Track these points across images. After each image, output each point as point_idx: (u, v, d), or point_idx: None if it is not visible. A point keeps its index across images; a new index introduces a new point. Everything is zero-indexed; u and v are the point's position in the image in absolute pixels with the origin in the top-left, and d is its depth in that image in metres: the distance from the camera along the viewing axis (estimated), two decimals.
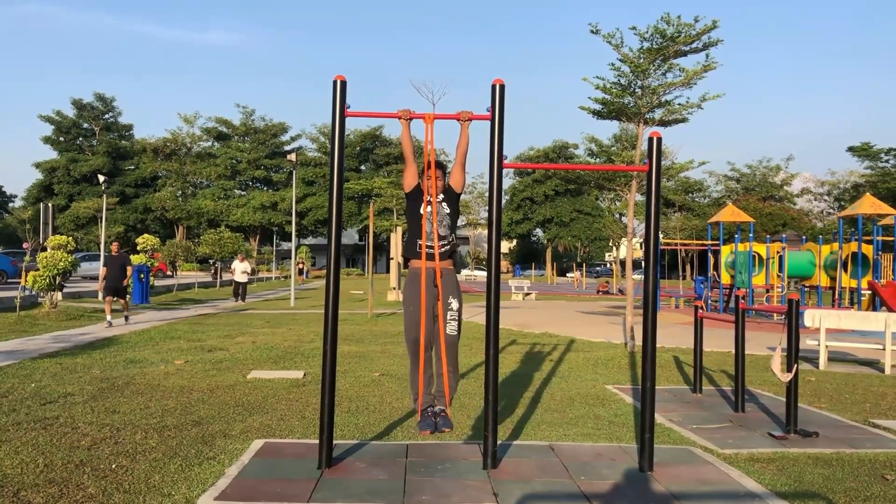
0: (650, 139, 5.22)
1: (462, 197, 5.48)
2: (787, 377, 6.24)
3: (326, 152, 77.08)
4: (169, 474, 4.77)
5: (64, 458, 5.08)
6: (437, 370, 5.06)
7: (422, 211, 5.14)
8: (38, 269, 17.12)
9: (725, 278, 24.01)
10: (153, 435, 5.78)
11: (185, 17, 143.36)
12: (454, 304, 5.04)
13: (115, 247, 16.30)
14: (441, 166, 5.29)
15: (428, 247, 5.08)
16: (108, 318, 15.00)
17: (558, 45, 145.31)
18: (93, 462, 5.00)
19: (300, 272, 46.56)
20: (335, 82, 5.02)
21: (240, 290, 24.66)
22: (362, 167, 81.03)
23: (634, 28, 11.95)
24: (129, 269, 15.88)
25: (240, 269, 24.76)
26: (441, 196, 5.24)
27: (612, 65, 12.27)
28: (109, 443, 5.51)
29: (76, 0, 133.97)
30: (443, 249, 5.12)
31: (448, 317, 5.00)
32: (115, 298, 15.44)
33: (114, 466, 4.91)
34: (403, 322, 5.15)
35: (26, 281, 17.30)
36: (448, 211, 5.22)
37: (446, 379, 4.99)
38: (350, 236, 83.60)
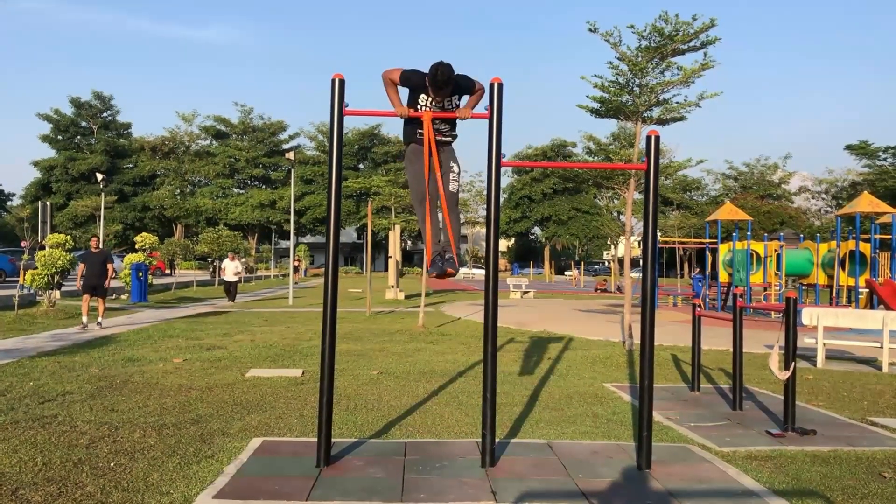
0: (648, 137, 5.22)
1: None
2: (785, 375, 6.25)
3: (325, 151, 77.03)
4: (167, 473, 4.77)
5: (62, 456, 5.08)
6: (444, 223, 5.58)
7: (420, 133, 5.33)
8: (36, 268, 17.10)
9: (723, 276, 24.03)
10: (151, 433, 5.78)
11: (184, 14, 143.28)
12: (455, 168, 5.51)
13: (94, 242, 15.01)
14: (448, 82, 5.16)
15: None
16: (84, 319, 14.02)
17: (556, 43, 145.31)
18: (91, 460, 5.00)
19: (296, 269, 46.04)
20: (334, 81, 5.02)
21: (231, 290, 24.27)
22: (360, 165, 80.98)
23: (632, 27, 11.95)
24: (111, 267, 14.59)
25: (231, 269, 24.20)
26: (445, 103, 5.36)
27: (611, 63, 12.27)
28: (108, 441, 5.51)
29: None
30: (444, 138, 5.45)
31: (450, 177, 5.47)
32: (93, 297, 14.28)
33: (112, 465, 4.91)
34: (409, 184, 5.63)
35: (25, 279, 17.29)
36: (453, 106, 5.40)
37: (450, 229, 5.51)
38: (348, 235, 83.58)
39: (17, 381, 8.03)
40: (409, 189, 5.77)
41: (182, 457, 5.14)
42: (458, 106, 5.37)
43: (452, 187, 5.50)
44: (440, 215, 5.60)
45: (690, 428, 6.41)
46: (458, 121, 5.43)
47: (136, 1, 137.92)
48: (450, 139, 5.55)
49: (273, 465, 4.95)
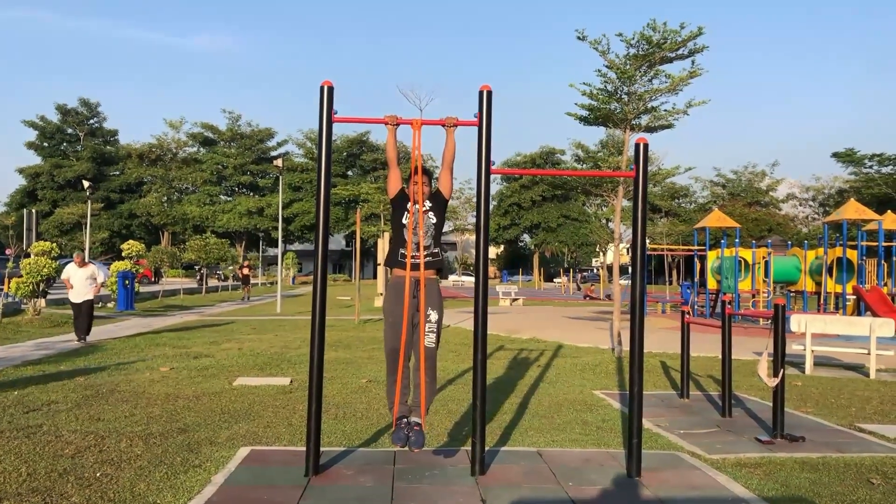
0: (637, 145, 5.24)
1: (450, 202, 5.40)
2: (774, 382, 6.27)
3: (313, 158, 76.90)
4: (154, 482, 4.72)
5: (47, 466, 5.02)
6: (415, 381, 4.98)
7: (405, 221, 5.07)
8: (21, 276, 16.96)
9: (712, 283, 24.11)
10: (138, 443, 5.72)
11: (172, 22, 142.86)
12: (433, 316, 4.96)
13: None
14: (427, 173, 5.22)
15: (412, 257, 4.99)
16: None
17: (545, 51, 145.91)
18: (77, 470, 4.94)
19: (244, 281, 34.20)
20: (322, 88, 5.01)
21: (81, 317, 13.07)
22: (349, 173, 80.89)
23: (621, 34, 12.03)
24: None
25: (80, 283, 13.25)
26: (428, 205, 5.14)
27: (599, 71, 12.34)
28: (94, 451, 5.45)
29: (61, 5, 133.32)
30: (427, 259, 5.03)
31: (427, 328, 4.94)
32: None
33: (98, 475, 4.86)
34: (384, 332, 5.09)
35: (9, 287, 17.14)
36: (434, 221, 5.14)
37: (423, 391, 4.92)
38: (337, 242, 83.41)
39: (2, 390, 7.94)
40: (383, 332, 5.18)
41: (169, 466, 5.09)
42: (430, 209, 5.14)
43: (429, 341, 4.93)
44: (411, 370, 5.02)
45: (680, 435, 6.41)
46: (441, 239, 5.18)
47: (124, 9, 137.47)
48: (435, 261, 5.10)
49: (261, 475, 4.91)
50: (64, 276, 13.46)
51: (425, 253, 5.03)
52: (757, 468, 5.36)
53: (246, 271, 34.53)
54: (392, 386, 4.94)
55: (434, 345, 4.96)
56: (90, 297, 13.23)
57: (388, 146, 5.18)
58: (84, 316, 13.01)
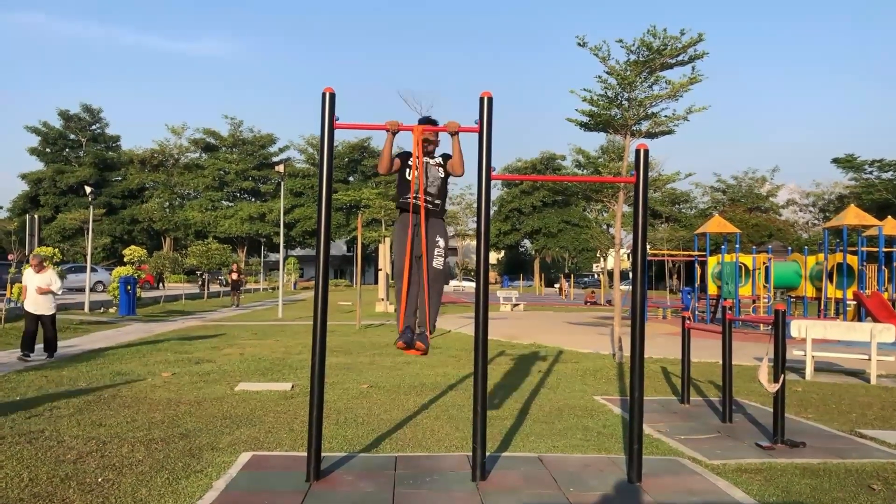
0: (637, 151, 5.26)
1: (450, 208, 5.55)
2: (774, 387, 6.27)
3: (314, 163, 77.01)
4: (156, 488, 4.73)
5: (49, 471, 5.03)
6: (421, 302, 5.32)
7: (409, 177, 5.34)
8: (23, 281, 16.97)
9: (712, 289, 24.11)
10: (140, 448, 5.74)
11: (175, 28, 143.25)
12: (441, 242, 5.37)
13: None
14: (432, 124, 5.40)
15: (416, 199, 5.29)
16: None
17: (546, 57, 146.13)
18: (78, 476, 4.95)
19: (235, 286, 30.95)
20: (324, 94, 5.04)
21: (37, 329, 11.56)
22: (350, 178, 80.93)
23: (621, 41, 12.06)
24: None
25: (31, 291, 11.69)
26: (437, 160, 5.40)
27: (599, 77, 12.37)
28: (95, 456, 5.46)
29: (65, 11, 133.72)
30: (428, 207, 5.34)
31: (435, 252, 5.32)
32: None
33: (100, 480, 4.87)
34: (393, 263, 5.52)
35: (11, 293, 17.15)
36: (441, 175, 5.41)
37: (428, 308, 5.25)
38: (338, 247, 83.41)
39: (4, 395, 7.96)
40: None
41: (171, 472, 5.11)
42: (440, 164, 5.46)
43: (437, 263, 5.33)
44: (420, 291, 5.37)
45: (681, 441, 6.42)
46: (447, 194, 5.49)
47: (126, 15, 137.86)
48: (437, 209, 5.45)
49: (263, 480, 4.92)
50: (24, 281, 11.99)
51: (427, 198, 5.35)
52: (757, 474, 5.36)
53: (235, 276, 31.08)
54: (400, 305, 5.31)
55: (441, 267, 5.33)
56: (49, 312, 11.55)
57: (384, 153, 5.26)
58: (47, 330, 11.45)
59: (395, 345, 5.42)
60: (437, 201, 5.42)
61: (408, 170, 5.36)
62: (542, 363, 11.80)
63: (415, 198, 5.28)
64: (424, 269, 5.26)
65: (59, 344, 12.63)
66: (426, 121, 5.44)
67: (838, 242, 22.19)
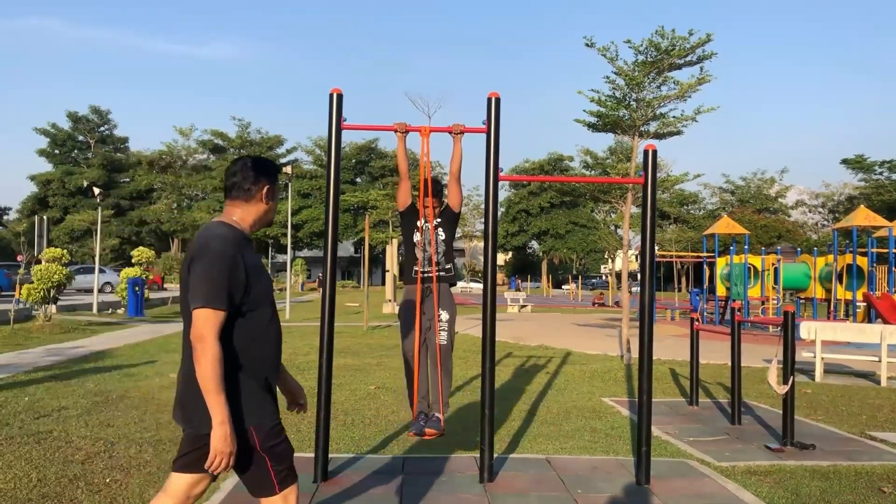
0: (645, 152, 5.24)
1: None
2: (784, 389, 6.24)
3: (322, 165, 77.07)
4: None
5: (58, 472, 5.04)
6: (433, 379, 5.15)
7: (415, 239, 5.19)
8: (32, 282, 17.05)
9: (721, 290, 24.04)
10: (148, 449, 5.75)
11: (183, 32, 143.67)
12: (444, 316, 5.16)
13: None
14: (437, 190, 5.26)
15: (425, 272, 5.14)
16: None
17: (554, 58, 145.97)
18: (87, 476, 4.96)
19: None
20: (332, 95, 5.04)
21: None
22: (358, 179, 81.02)
23: (629, 41, 12.04)
24: None
25: None
26: (437, 221, 5.23)
27: (607, 78, 12.35)
28: (104, 457, 5.47)
29: (74, 14, 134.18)
30: (440, 275, 5.18)
31: (440, 328, 5.14)
32: None
33: (108, 481, 4.88)
34: (401, 340, 5.27)
35: (20, 294, 17.23)
36: (444, 237, 5.23)
37: (441, 386, 5.08)
38: (345, 249, 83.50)
39: (13, 396, 7.98)
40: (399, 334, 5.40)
41: None
42: (439, 224, 5.25)
43: (442, 339, 5.14)
44: (429, 367, 5.20)
45: (689, 443, 6.39)
46: (452, 252, 5.30)
47: (135, 18, 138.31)
48: (448, 275, 5.28)
49: None
50: None
51: (437, 268, 5.18)
52: (767, 476, 5.33)
53: None
54: (411, 386, 5.15)
55: (447, 342, 5.14)
56: None
57: (399, 156, 5.24)
58: None
59: (408, 434, 5.25)
60: (447, 266, 5.26)
61: (416, 233, 5.21)
62: (550, 365, 11.78)
63: (425, 271, 5.14)
64: (437, 339, 5.11)
65: (66, 345, 12.81)
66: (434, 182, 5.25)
67: (848, 244, 22.07)
